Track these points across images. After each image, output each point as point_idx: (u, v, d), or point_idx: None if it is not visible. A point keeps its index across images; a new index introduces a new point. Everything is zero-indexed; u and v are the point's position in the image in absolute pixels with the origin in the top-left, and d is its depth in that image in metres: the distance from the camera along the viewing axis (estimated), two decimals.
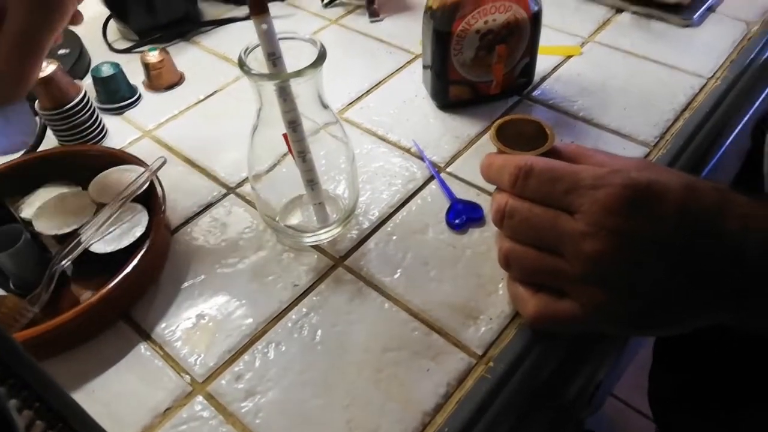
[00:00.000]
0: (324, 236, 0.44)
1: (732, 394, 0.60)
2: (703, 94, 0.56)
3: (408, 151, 0.52)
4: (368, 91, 0.59)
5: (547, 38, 0.62)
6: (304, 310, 0.40)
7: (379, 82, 0.60)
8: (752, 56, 0.60)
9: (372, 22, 0.68)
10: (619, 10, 0.67)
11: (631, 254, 0.32)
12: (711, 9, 0.66)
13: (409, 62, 0.62)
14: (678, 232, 0.31)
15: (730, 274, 0.32)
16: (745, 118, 0.94)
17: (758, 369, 0.55)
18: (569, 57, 0.61)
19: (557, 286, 0.35)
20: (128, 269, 0.38)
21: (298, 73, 0.35)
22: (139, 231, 0.41)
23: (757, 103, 0.97)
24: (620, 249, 0.31)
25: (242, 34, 0.68)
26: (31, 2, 0.33)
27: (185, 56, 0.65)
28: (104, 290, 0.37)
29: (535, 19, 0.50)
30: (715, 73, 0.58)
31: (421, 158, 0.51)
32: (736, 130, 0.90)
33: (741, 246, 0.31)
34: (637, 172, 0.32)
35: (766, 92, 0.99)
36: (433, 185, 0.49)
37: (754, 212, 0.32)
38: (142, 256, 0.39)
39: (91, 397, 0.37)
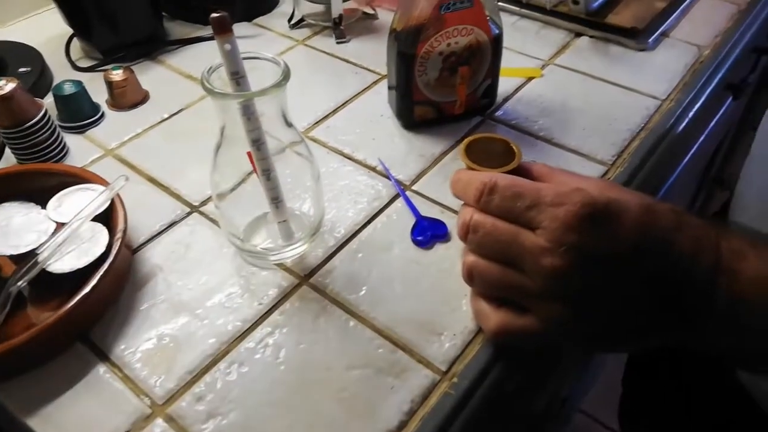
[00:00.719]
0: (289, 254, 0.44)
1: (702, 413, 0.61)
2: (659, 114, 0.58)
3: (374, 169, 0.52)
4: (334, 111, 0.59)
5: (509, 61, 0.64)
6: (268, 329, 0.40)
7: (346, 102, 0.60)
8: (704, 79, 0.62)
9: (338, 43, 0.69)
10: (578, 35, 0.69)
11: (588, 271, 0.32)
12: (665, 34, 0.69)
13: (374, 82, 0.63)
14: (634, 251, 0.32)
15: (682, 295, 0.33)
16: (701, 139, 0.98)
17: (727, 390, 0.56)
18: (530, 79, 0.62)
19: (519, 300, 0.36)
20: (87, 290, 0.38)
21: (262, 92, 0.35)
22: (98, 250, 0.40)
23: (712, 125, 1.01)
24: (578, 265, 0.32)
25: (208, 54, 0.68)
26: None
27: (150, 75, 0.64)
28: (61, 311, 0.36)
29: (496, 42, 0.52)
30: (669, 95, 0.60)
31: (387, 176, 0.51)
32: (692, 150, 0.94)
33: (692, 268, 0.32)
34: (597, 192, 0.33)
35: (719, 114, 1.03)
36: (399, 203, 0.49)
37: (706, 234, 0.33)
38: (101, 276, 0.38)
39: (48, 422, 0.35)
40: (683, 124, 0.58)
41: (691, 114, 0.59)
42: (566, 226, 0.32)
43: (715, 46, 0.67)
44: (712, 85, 0.63)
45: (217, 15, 0.33)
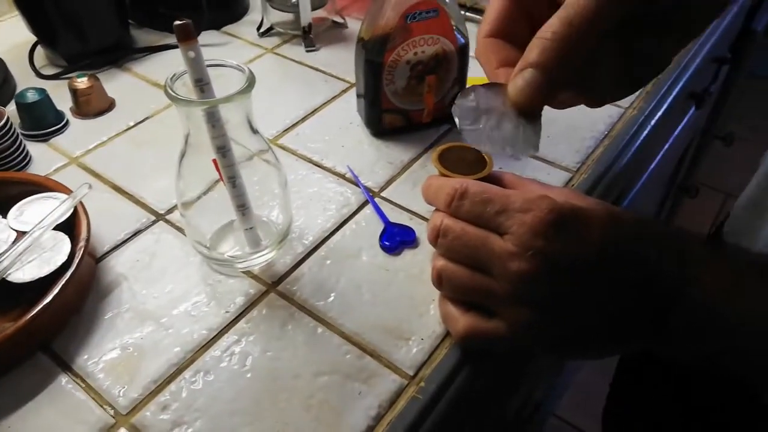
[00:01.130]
0: (256, 262, 0.44)
1: (695, 417, 0.62)
2: (622, 122, 0.59)
3: (343, 176, 0.53)
4: (304, 119, 0.59)
5: (477, 70, 0.65)
6: (235, 337, 0.40)
7: (315, 110, 0.60)
8: (665, 87, 0.64)
9: (308, 51, 0.69)
10: None
11: (554, 276, 0.33)
12: None
13: (344, 91, 0.63)
14: (600, 257, 0.33)
15: (646, 301, 0.33)
16: (666, 147, 1.00)
17: (713, 395, 0.57)
18: None
19: (486, 305, 0.36)
20: (48, 299, 0.37)
21: (227, 99, 0.35)
22: (60, 259, 0.39)
23: (676, 133, 1.03)
24: (545, 270, 0.32)
25: (176, 61, 0.67)
26: None
27: (116, 83, 0.64)
28: (22, 321, 0.36)
29: (462, 51, 0.52)
30: (632, 104, 0.61)
31: (356, 184, 0.52)
32: (657, 158, 0.96)
33: (656, 275, 0.33)
34: (564, 199, 0.34)
35: (683, 122, 1.06)
36: (368, 210, 0.49)
37: (668, 243, 0.34)
38: (63, 285, 0.38)
39: None
40: (646, 132, 0.59)
41: (653, 122, 0.61)
42: (533, 232, 0.32)
43: (676, 57, 0.69)
44: (674, 93, 0.65)
45: (181, 22, 0.33)
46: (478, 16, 0.74)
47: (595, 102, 0.38)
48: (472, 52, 0.54)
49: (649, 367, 0.69)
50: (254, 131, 0.39)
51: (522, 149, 0.34)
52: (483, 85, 0.35)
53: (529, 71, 0.31)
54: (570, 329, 0.35)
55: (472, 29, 0.72)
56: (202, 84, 0.35)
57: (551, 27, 0.30)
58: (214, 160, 0.38)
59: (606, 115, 0.59)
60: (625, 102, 0.61)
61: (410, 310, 0.42)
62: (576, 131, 0.57)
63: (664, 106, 0.63)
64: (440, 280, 0.37)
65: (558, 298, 0.33)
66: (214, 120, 0.36)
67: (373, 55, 0.50)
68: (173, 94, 0.34)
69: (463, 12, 0.73)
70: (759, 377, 0.36)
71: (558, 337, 0.35)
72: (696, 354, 0.36)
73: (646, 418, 0.69)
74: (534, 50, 0.31)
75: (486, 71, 0.37)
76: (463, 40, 0.52)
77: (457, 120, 0.35)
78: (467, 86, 0.38)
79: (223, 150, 0.37)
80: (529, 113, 0.34)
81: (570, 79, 0.33)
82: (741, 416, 0.53)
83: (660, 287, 0.33)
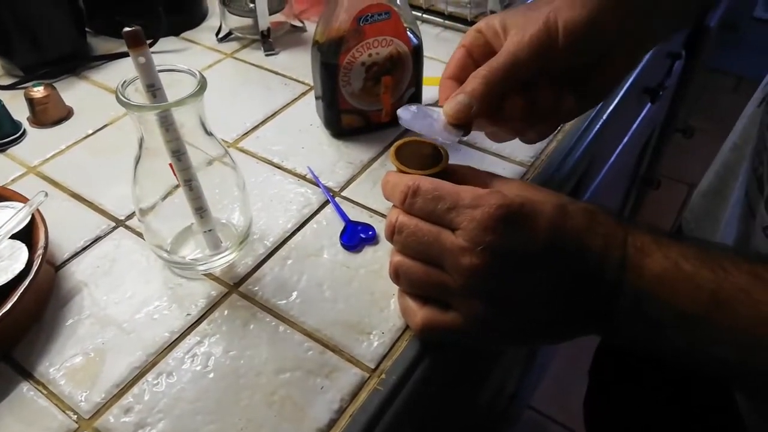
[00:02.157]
0: (217, 264, 0.44)
1: (674, 406, 0.63)
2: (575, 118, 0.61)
3: (303, 177, 0.53)
4: (264, 122, 0.60)
5: (434, 70, 0.66)
6: (197, 338, 0.40)
7: (275, 113, 0.61)
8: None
9: (267, 55, 0.69)
10: None
11: (503, 269, 0.34)
12: None
13: (303, 93, 0.64)
14: (547, 250, 0.34)
15: (592, 291, 0.35)
16: (624, 140, 1.03)
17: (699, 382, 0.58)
18: None
19: (442, 298, 0.37)
20: (6, 308, 0.37)
21: (178, 103, 0.35)
22: (18, 267, 0.39)
23: (634, 127, 1.06)
24: (494, 264, 0.34)
25: (133, 68, 0.68)
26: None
27: (74, 91, 0.64)
28: None
29: (416, 52, 0.54)
30: None
31: (316, 184, 0.52)
32: (616, 152, 0.98)
33: (600, 265, 0.34)
34: (514, 193, 0.35)
35: (640, 117, 1.08)
36: (328, 209, 0.50)
37: (614, 232, 0.35)
38: (21, 293, 0.38)
39: None
40: (597, 127, 0.61)
41: (605, 117, 0.62)
42: (482, 227, 0.33)
43: None
44: (624, 88, 0.67)
45: (130, 29, 0.34)
46: (436, 18, 0.75)
47: (523, 136, 0.45)
48: (426, 52, 0.56)
49: (627, 357, 0.71)
50: (209, 134, 0.40)
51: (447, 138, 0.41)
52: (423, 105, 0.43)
53: (462, 95, 0.40)
54: (521, 320, 0.36)
55: (427, 30, 0.74)
56: (153, 89, 0.35)
57: (481, 70, 0.40)
58: (171, 164, 0.39)
59: None
60: None
61: (371, 305, 0.43)
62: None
63: (615, 101, 0.65)
64: (397, 275, 0.38)
65: (507, 291, 0.35)
66: (167, 124, 0.36)
67: (328, 58, 0.51)
68: (124, 99, 0.35)
69: (419, 13, 0.75)
70: (713, 366, 0.36)
71: (509, 328, 0.36)
72: (648, 342, 0.36)
73: (626, 404, 0.71)
74: (468, 83, 0.40)
75: (441, 103, 0.42)
76: (416, 41, 0.53)
77: (399, 113, 0.42)
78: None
79: (177, 154, 0.38)
80: (456, 127, 0.40)
81: (491, 111, 0.41)
82: (717, 402, 0.55)
83: (604, 277, 0.34)
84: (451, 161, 0.41)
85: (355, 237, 0.47)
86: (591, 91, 0.43)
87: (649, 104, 1.05)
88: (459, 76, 0.43)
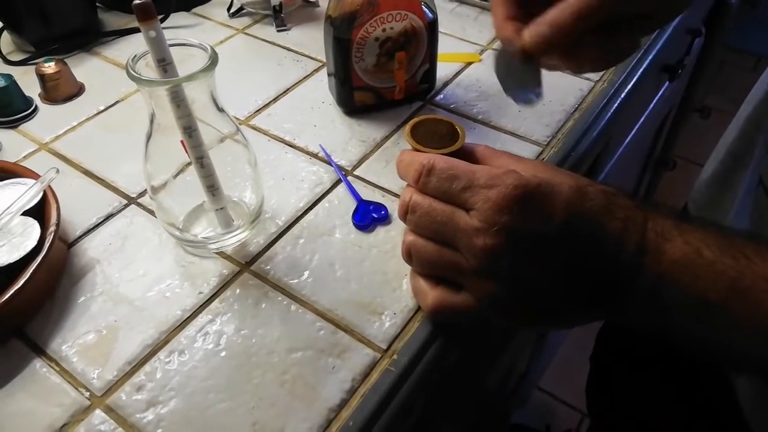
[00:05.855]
0: (229, 242, 0.44)
1: (675, 392, 0.63)
2: (592, 96, 0.59)
3: (315, 156, 0.53)
4: (275, 99, 0.59)
5: (448, 46, 0.65)
6: (209, 317, 0.40)
7: (287, 90, 0.60)
8: (635, 60, 0.64)
9: (279, 31, 0.68)
10: None
11: (518, 250, 0.33)
12: None
13: (316, 70, 0.63)
14: (563, 231, 0.33)
15: (608, 274, 0.34)
16: (641, 120, 1.01)
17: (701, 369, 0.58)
18: (469, 64, 0.64)
19: (454, 279, 0.37)
20: (19, 284, 0.37)
21: (189, 78, 0.35)
22: (30, 244, 0.39)
23: (651, 107, 1.04)
24: (508, 245, 0.33)
25: (145, 44, 0.67)
26: None
27: (85, 67, 0.63)
28: None
29: (432, 27, 0.52)
30: (602, 77, 0.62)
31: (329, 162, 0.52)
32: (633, 132, 0.96)
33: (618, 248, 0.33)
34: (531, 174, 0.34)
35: (658, 95, 1.06)
36: (341, 188, 0.50)
37: (633, 215, 0.34)
38: (34, 270, 0.38)
39: None
40: (616, 105, 0.60)
41: (623, 95, 0.61)
42: (498, 207, 0.33)
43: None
44: (644, 65, 0.65)
45: (140, 2, 0.33)
46: None
47: (576, 69, 0.42)
48: (441, 28, 0.55)
49: (627, 340, 0.70)
50: (220, 110, 0.39)
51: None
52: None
53: (544, 24, 0.37)
54: (534, 302, 0.35)
55: (445, 5, 0.73)
56: (164, 64, 0.35)
57: (566, 7, 0.36)
58: (182, 141, 0.38)
59: (576, 89, 0.60)
60: (595, 75, 0.62)
61: (383, 285, 0.42)
62: (546, 105, 0.58)
63: (634, 79, 0.63)
64: (410, 255, 0.38)
65: (522, 272, 0.34)
66: (178, 100, 0.36)
67: (341, 33, 0.50)
68: (135, 74, 0.34)
69: None
70: (728, 355, 0.36)
71: (523, 310, 0.36)
72: (661, 328, 0.36)
73: (627, 390, 0.71)
74: (551, 13, 0.37)
75: (495, 20, 0.41)
76: (431, 16, 0.52)
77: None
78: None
79: (189, 130, 0.37)
80: (531, 57, 0.39)
81: (569, 49, 0.39)
82: (714, 386, 0.54)
83: (621, 260, 0.33)
84: (467, 140, 0.40)
85: (368, 216, 0.47)
86: (648, 26, 0.40)
87: (667, 83, 1.03)
88: (517, 15, 0.40)
